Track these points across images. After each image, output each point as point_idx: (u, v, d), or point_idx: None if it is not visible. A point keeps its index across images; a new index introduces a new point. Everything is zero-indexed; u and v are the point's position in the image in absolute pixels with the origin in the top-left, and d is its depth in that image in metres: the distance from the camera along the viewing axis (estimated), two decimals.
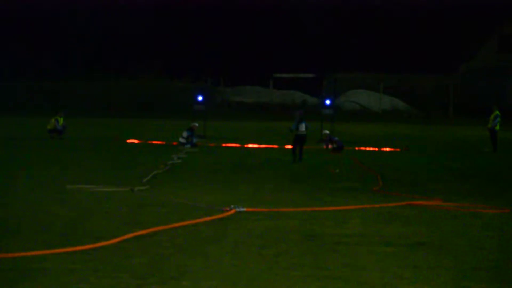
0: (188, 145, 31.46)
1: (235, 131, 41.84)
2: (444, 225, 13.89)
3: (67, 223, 13.23)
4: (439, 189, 19.33)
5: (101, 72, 69.00)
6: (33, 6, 75.11)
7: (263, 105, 64.79)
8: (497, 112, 32.14)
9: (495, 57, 65.51)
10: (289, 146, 31.16)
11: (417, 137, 40.65)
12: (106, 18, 74.81)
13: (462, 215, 15.14)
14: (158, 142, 33.50)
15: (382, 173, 22.57)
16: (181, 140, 31.92)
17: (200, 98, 37.47)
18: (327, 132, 33.00)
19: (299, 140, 26.39)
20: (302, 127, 26.33)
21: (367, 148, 32.96)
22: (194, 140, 32.12)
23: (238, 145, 33.39)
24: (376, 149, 32.77)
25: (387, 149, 32.76)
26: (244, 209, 14.74)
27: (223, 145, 33.36)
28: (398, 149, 32.56)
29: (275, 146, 32.90)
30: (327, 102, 36.46)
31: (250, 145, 33.25)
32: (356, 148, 32.75)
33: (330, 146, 31.54)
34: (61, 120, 33.91)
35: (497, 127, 31.86)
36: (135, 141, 33.86)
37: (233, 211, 14.53)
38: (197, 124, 33.14)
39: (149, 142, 33.63)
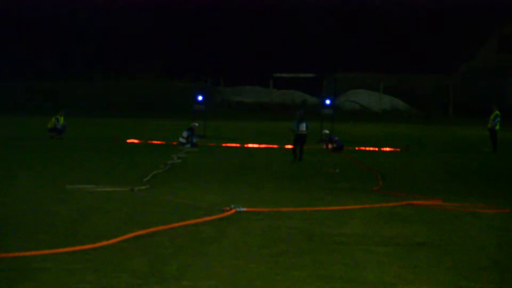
0: (188, 145, 31.47)
1: (235, 131, 41.85)
2: (444, 225, 13.89)
3: (67, 223, 13.23)
4: (439, 189, 19.33)
5: (101, 72, 68.97)
6: (33, 6, 75.10)
7: (263, 105, 64.78)
8: (497, 112, 32.14)
9: (495, 57, 65.50)
10: (289, 146, 31.17)
11: (417, 137, 40.64)
12: (106, 18, 74.78)
13: (462, 215, 15.14)
14: (158, 142, 33.50)
15: (382, 173, 22.58)
16: (181, 140, 31.92)
17: (200, 98, 37.48)
18: (327, 132, 33.01)
19: (299, 140, 26.40)
20: (303, 127, 26.34)
21: (367, 148, 32.97)
22: (194, 140, 32.12)
23: (238, 145, 33.39)
24: (376, 149, 32.78)
25: (387, 149, 32.77)
26: (244, 209, 14.74)
27: (223, 145, 33.37)
28: (398, 149, 32.56)
29: (275, 146, 32.90)
30: (327, 102, 36.47)
31: (250, 145, 33.25)
32: (356, 148, 32.76)
33: (330, 146, 31.55)
34: (61, 119, 33.90)
35: (497, 127, 31.86)
36: (135, 141, 33.87)
37: (233, 211, 14.53)
38: (197, 124, 33.15)
39: (149, 142, 33.64)
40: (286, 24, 77.74)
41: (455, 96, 63.44)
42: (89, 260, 10.37)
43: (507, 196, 18.27)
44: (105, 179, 19.57)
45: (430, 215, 15.01)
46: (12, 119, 47.05)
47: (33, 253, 10.56)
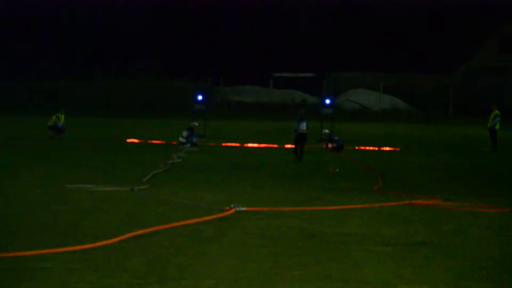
0: (188, 145, 31.46)
1: (235, 131, 41.85)
2: (444, 225, 13.89)
3: (67, 222, 13.24)
4: (439, 189, 19.34)
5: (101, 72, 68.94)
6: (33, 6, 75.08)
7: (263, 104, 64.75)
8: (497, 112, 32.13)
9: (495, 57, 65.48)
10: (289, 146, 31.17)
11: (417, 136, 40.64)
12: (106, 18, 74.76)
13: (462, 214, 15.14)
14: (158, 142, 33.50)
15: (382, 173, 22.57)
16: (181, 139, 31.92)
17: (200, 97, 37.48)
18: (327, 131, 33.00)
19: (300, 139, 26.43)
20: (303, 126, 26.37)
21: (367, 148, 32.96)
22: (194, 140, 32.12)
23: (238, 144, 33.39)
24: (376, 148, 32.77)
25: (387, 148, 32.77)
26: (244, 208, 14.74)
27: (223, 144, 33.36)
28: (398, 149, 32.56)
29: (275, 146, 32.90)
30: (327, 101, 36.45)
31: (250, 145, 33.25)
32: (356, 148, 32.75)
33: (330, 146, 31.55)
34: (62, 118, 33.85)
35: (497, 127, 31.85)
36: (135, 140, 33.86)
37: (233, 210, 14.54)
38: (196, 124, 33.14)
39: (149, 141, 33.63)
40: (286, 24, 77.73)
41: (455, 96, 63.41)
42: (89, 259, 10.37)
43: (507, 196, 18.28)
44: (105, 179, 19.57)
45: (430, 215, 15.01)
46: (12, 119, 47.05)
47: (33, 252, 10.57)
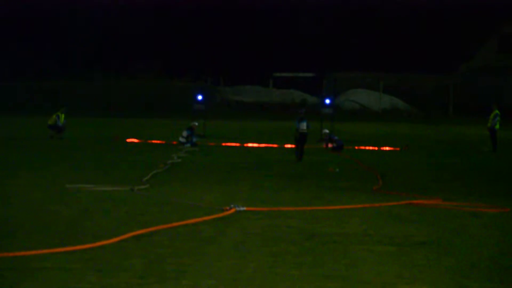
0: (188, 145, 31.47)
1: (234, 131, 41.85)
2: (444, 224, 13.90)
3: (67, 222, 13.24)
4: (439, 189, 19.33)
5: (101, 72, 68.93)
6: (33, 6, 75.07)
7: (262, 104, 64.76)
8: (497, 111, 32.12)
9: (495, 57, 65.49)
10: (289, 145, 31.19)
11: (417, 136, 40.65)
12: (106, 18, 74.76)
13: (462, 214, 15.15)
14: (158, 142, 33.50)
15: (382, 173, 22.58)
16: (181, 139, 31.93)
17: (200, 97, 37.49)
18: (327, 131, 33.01)
19: (300, 139, 26.44)
20: (303, 126, 26.39)
21: (367, 147, 32.96)
22: (194, 140, 32.12)
23: (237, 144, 33.39)
24: (376, 148, 32.77)
25: (387, 148, 32.77)
26: (244, 208, 14.75)
27: (223, 144, 33.37)
28: (398, 149, 32.56)
29: (275, 146, 32.90)
30: (327, 101, 36.47)
31: (249, 145, 33.26)
32: (356, 148, 32.75)
33: (330, 145, 31.55)
34: (62, 117, 33.82)
35: (497, 126, 31.84)
36: (135, 140, 33.86)
37: (233, 210, 14.54)
38: (196, 124, 33.14)
39: (149, 141, 33.63)
40: (286, 24, 77.73)
41: (455, 96, 63.42)
42: (89, 259, 10.38)
43: (507, 196, 18.27)
44: (105, 179, 19.58)
45: (430, 215, 15.01)
46: (12, 119, 47.04)
47: (33, 252, 10.57)
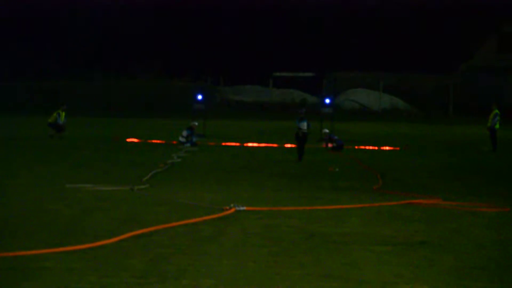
0: (188, 144, 31.48)
1: (234, 130, 41.85)
2: (444, 224, 13.90)
3: (67, 222, 13.24)
4: (439, 188, 19.34)
5: (101, 72, 68.94)
6: (33, 6, 75.08)
7: (262, 104, 64.77)
8: (496, 111, 32.12)
9: (495, 57, 65.50)
10: (289, 145, 31.23)
11: (417, 136, 40.65)
12: (106, 18, 74.76)
13: (461, 214, 15.15)
14: (158, 141, 33.50)
15: (382, 172, 22.58)
16: (181, 139, 31.94)
17: (200, 97, 37.50)
18: (326, 131, 33.01)
19: (300, 139, 26.47)
20: (304, 126, 26.41)
21: (367, 147, 32.97)
22: (194, 139, 32.14)
23: (237, 144, 33.40)
24: (376, 148, 32.78)
25: (387, 148, 32.77)
26: (244, 208, 14.75)
27: (223, 144, 33.37)
28: (398, 148, 32.56)
29: (275, 145, 32.91)
30: (327, 101, 36.48)
31: (249, 144, 33.26)
32: (356, 147, 32.75)
33: (330, 145, 31.56)
34: (63, 115, 33.80)
35: (497, 126, 31.84)
36: (135, 140, 33.86)
37: (232, 210, 14.54)
38: (196, 123, 33.15)
39: (149, 141, 33.64)
40: (286, 24, 77.73)
41: (455, 95, 63.43)
42: (89, 259, 10.38)
43: (507, 195, 18.28)
44: (104, 178, 19.58)
45: (430, 214, 15.02)
46: (12, 119, 47.04)
47: (33, 252, 10.58)
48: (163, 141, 33.40)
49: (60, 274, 9.59)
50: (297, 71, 63.05)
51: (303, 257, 10.82)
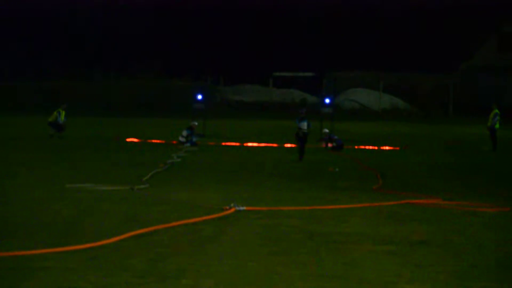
0: (188, 144, 31.48)
1: (234, 130, 41.84)
2: (444, 224, 13.90)
3: (67, 222, 13.24)
4: (439, 188, 19.34)
5: (101, 72, 68.93)
6: (33, 6, 75.08)
7: (262, 104, 64.76)
8: (496, 111, 32.11)
9: (495, 56, 65.49)
10: (288, 145, 31.23)
11: (417, 136, 40.64)
12: (106, 18, 74.76)
13: (461, 213, 15.15)
14: (158, 141, 33.50)
15: (382, 172, 22.57)
16: (181, 139, 31.94)
17: (199, 97, 37.50)
18: (326, 130, 33.01)
19: (301, 138, 26.50)
20: (304, 126, 26.43)
21: (367, 147, 32.96)
22: (194, 139, 32.14)
23: (237, 144, 33.39)
24: (376, 147, 32.77)
25: (387, 147, 32.76)
26: (244, 208, 14.74)
27: (223, 144, 33.37)
28: (398, 148, 32.56)
29: (275, 145, 32.91)
30: (327, 100, 36.47)
31: (249, 144, 33.26)
32: (356, 147, 32.75)
33: (330, 145, 31.55)
34: (63, 114, 33.78)
35: (497, 126, 31.84)
36: (135, 140, 33.86)
37: (232, 210, 14.54)
38: (196, 123, 33.15)
39: (149, 141, 33.63)
40: (286, 24, 77.72)
41: (455, 95, 63.41)
42: (89, 259, 10.38)
43: (507, 195, 18.27)
44: (104, 178, 19.58)
45: (429, 214, 15.01)
46: (12, 119, 47.04)
47: (33, 252, 10.58)
48: (163, 141, 33.40)
49: (60, 274, 9.59)
50: (297, 71, 63.01)
51: (303, 257, 10.82)
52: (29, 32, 73.21)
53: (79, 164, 23.80)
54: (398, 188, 18.98)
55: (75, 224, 13.07)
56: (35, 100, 63.14)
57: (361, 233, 12.71)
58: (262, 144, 33.17)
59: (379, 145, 33.49)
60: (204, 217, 13.68)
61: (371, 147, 32.85)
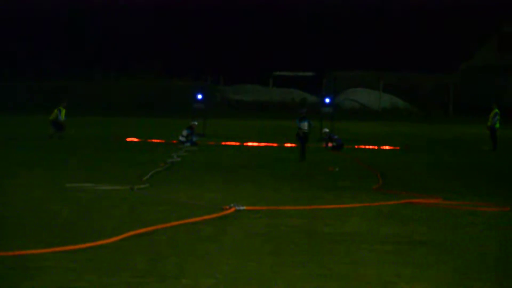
0: (188, 144, 31.48)
1: (234, 130, 41.85)
2: (444, 224, 13.89)
3: (67, 221, 13.24)
4: (439, 188, 19.33)
5: (101, 72, 68.96)
6: (33, 6, 75.11)
7: (262, 103, 64.79)
8: (496, 110, 32.12)
9: (495, 56, 65.52)
10: (288, 144, 31.24)
11: (417, 135, 40.66)
12: (106, 18, 74.80)
13: (462, 213, 15.14)
14: (158, 141, 33.50)
15: (382, 172, 22.57)
16: (181, 138, 31.95)
17: (200, 96, 37.51)
18: (326, 130, 33.01)
19: (301, 138, 26.52)
20: (304, 126, 26.44)
21: (367, 147, 32.96)
22: (194, 139, 32.14)
23: (237, 143, 33.40)
24: (376, 147, 32.77)
25: (387, 147, 32.76)
26: (244, 207, 14.74)
27: (223, 143, 33.38)
28: (398, 148, 32.56)
29: (275, 145, 32.91)
30: (327, 100, 36.48)
31: (249, 144, 33.26)
32: (356, 147, 32.75)
33: (330, 145, 31.55)
34: (63, 112, 33.74)
35: (497, 125, 31.85)
36: (135, 139, 33.86)
37: (232, 209, 14.53)
38: (196, 123, 33.16)
39: (149, 140, 33.64)
40: (286, 23, 77.73)
41: (455, 95, 63.45)
42: (88, 258, 10.37)
43: (507, 195, 18.26)
44: (105, 178, 19.57)
45: (430, 214, 15.01)
46: (12, 119, 47.04)
47: (33, 251, 10.57)
48: (163, 141, 33.40)
49: (60, 273, 9.59)
50: (297, 71, 63.05)
51: (303, 256, 10.81)
52: (29, 32, 73.25)
53: (79, 163, 23.79)
54: (398, 188, 18.97)
55: (75, 223, 13.07)
56: (35, 100, 63.20)
57: (361, 233, 12.70)
58: (262, 144, 33.18)
59: (379, 144, 33.49)
60: (204, 217, 13.68)
61: (371, 147, 32.85)
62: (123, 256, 10.56)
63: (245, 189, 18.14)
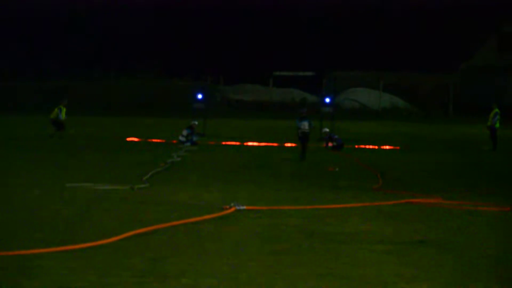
0: (188, 143, 31.49)
1: (235, 129, 41.85)
2: (444, 223, 13.89)
3: (67, 221, 13.23)
4: (439, 187, 19.33)
5: (101, 72, 68.95)
6: (33, 6, 75.10)
7: (262, 103, 64.77)
8: (497, 110, 32.13)
9: (495, 56, 65.50)
10: (289, 144, 31.26)
11: (417, 135, 40.65)
12: (106, 18, 74.78)
13: (462, 213, 15.14)
14: (158, 140, 33.50)
15: (382, 171, 22.57)
16: (181, 138, 31.96)
17: (200, 96, 37.52)
18: (326, 130, 33.02)
19: (301, 138, 26.54)
20: (305, 125, 26.45)
21: (367, 146, 32.96)
22: (194, 138, 32.15)
23: (238, 143, 33.40)
24: (376, 147, 32.77)
25: (387, 147, 32.76)
26: (244, 207, 14.74)
27: (223, 143, 33.38)
28: (398, 147, 32.56)
29: (275, 144, 32.91)
30: (327, 100, 36.49)
31: (250, 143, 33.26)
32: (356, 146, 32.75)
33: (330, 144, 31.55)
34: (63, 111, 33.73)
35: (497, 125, 31.85)
36: (135, 139, 33.86)
37: (233, 209, 14.52)
38: (196, 122, 33.16)
39: (149, 140, 33.63)
40: (286, 23, 77.72)
41: (455, 95, 63.43)
42: (89, 258, 10.37)
43: (507, 194, 18.26)
44: (105, 178, 19.56)
45: (430, 214, 15.01)
46: (12, 119, 47.04)
47: (33, 251, 10.57)
48: (163, 140, 33.40)
49: (60, 273, 9.58)
50: (297, 70, 63.02)
51: (303, 256, 10.81)
52: (29, 32, 73.24)
53: (79, 163, 23.79)
54: (398, 188, 18.97)
55: (75, 223, 13.06)
56: (35, 100, 63.15)
57: (361, 233, 12.70)
58: (263, 144, 33.18)
59: (379, 144, 33.49)
60: (204, 217, 13.67)
61: (371, 147, 32.85)
62: (123, 256, 10.56)
63: (245, 189, 18.14)
